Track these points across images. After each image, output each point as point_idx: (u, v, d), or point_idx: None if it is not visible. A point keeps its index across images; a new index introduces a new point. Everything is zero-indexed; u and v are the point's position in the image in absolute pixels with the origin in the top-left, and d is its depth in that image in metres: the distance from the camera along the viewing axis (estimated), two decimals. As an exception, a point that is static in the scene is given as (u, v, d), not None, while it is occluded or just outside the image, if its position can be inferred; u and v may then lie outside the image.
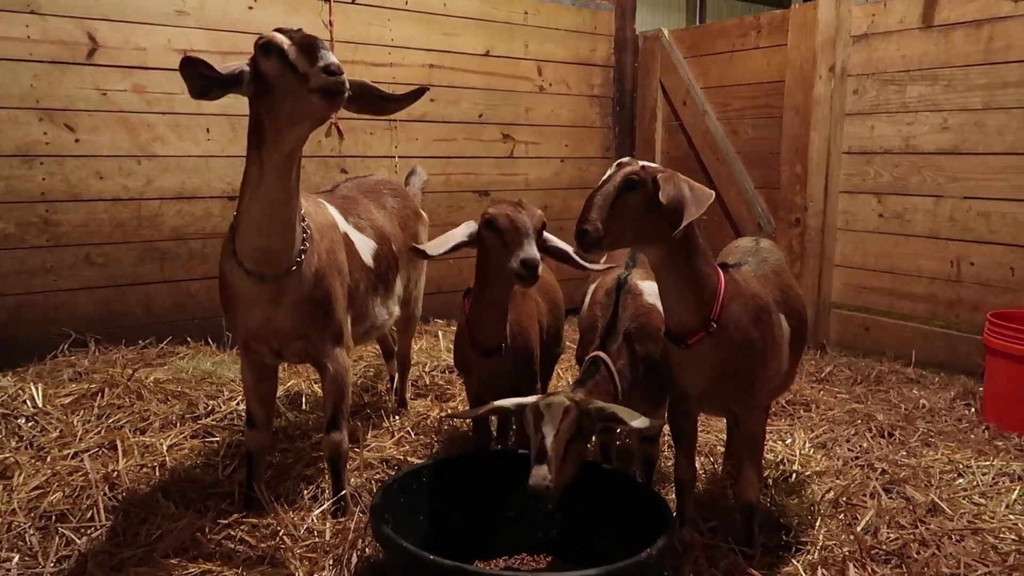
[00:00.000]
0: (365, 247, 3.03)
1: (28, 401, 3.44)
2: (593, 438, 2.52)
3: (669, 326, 2.37)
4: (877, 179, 4.88)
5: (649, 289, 2.80)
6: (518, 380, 2.82)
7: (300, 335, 2.61)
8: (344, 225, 2.95)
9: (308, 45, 2.15)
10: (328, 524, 2.59)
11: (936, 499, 2.91)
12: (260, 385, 2.77)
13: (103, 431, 3.28)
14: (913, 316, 4.77)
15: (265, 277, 2.46)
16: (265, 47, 2.22)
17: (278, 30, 2.23)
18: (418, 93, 2.55)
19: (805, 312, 2.75)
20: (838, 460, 3.33)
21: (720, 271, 2.34)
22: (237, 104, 4.99)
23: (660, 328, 2.67)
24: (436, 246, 2.65)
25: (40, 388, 3.54)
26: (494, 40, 5.76)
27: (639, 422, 2.30)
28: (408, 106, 2.58)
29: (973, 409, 3.96)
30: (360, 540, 2.44)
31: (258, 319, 2.55)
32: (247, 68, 2.27)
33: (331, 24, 5.01)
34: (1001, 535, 2.68)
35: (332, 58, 2.12)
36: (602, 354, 2.55)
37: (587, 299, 2.98)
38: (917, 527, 2.72)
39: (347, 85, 2.16)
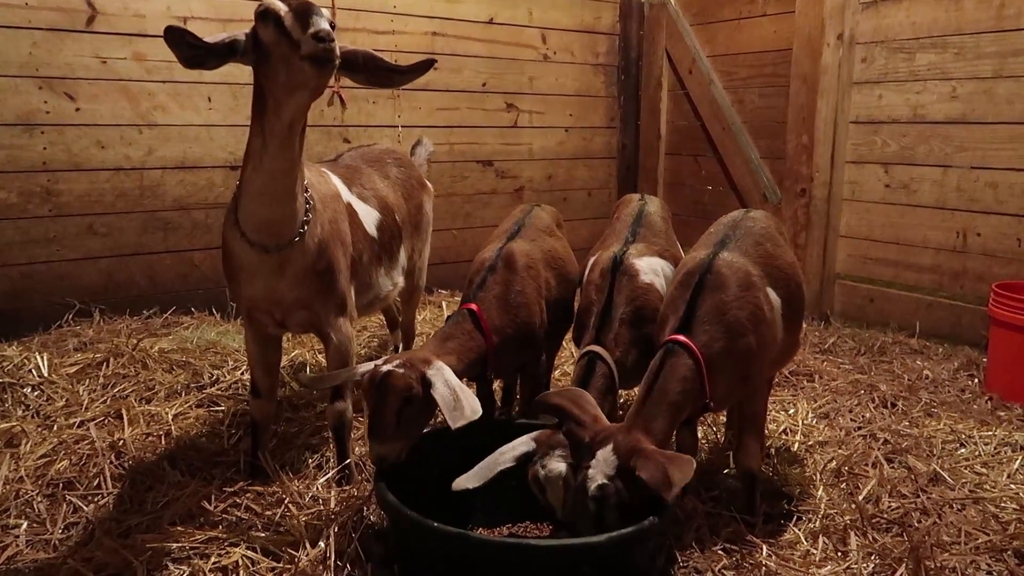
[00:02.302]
0: (368, 217, 3.02)
1: (34, 370, 3.46)
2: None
3: None
4: (884, 149, 4.83)
5: (646, 267, 2.77)
6: (522, 357, 2.82)
7: (303, 305, 2.61)
8: (347, 195, 2.93)
9: (302, 12, 2.12)
10: (333, 492, 2.61)
11: (938, 469, 2.92)
12: (264, 354, 2.78)
13: (109, 400, 3.30)
14: (918, 287, 4.75)
15: (268, 247, 2.45)
16: (263, 14, 2.19)
17: None
18: (426, 65, 2.50)
19: (797, 278, 2.68)
20: (840, 430, 3.34)
21: (694, 350, 2.27)
22: (238, 72, 4.94)
23: (658, 308, 2.66)
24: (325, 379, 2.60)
25: (45, 358, 3.55)
26: (498, 7, 5.68)
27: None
28: (416, 79, 2.54)
29: (976, 380, 3.96)
30: (364, 507, 2.47)
31: (261, 289, 2.55)
32: (242, 37, 2.24)
33: (333, -9, 4.95)
34: (1002, 504, 2.70)
35: (323, 24, 2.09)
36: (596, 348, 2.52)
37: (584, 275, 2.95)
38: (918, 496, 2.73)
39: (337, 53, 2.14)
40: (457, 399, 2.26)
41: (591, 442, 2.13)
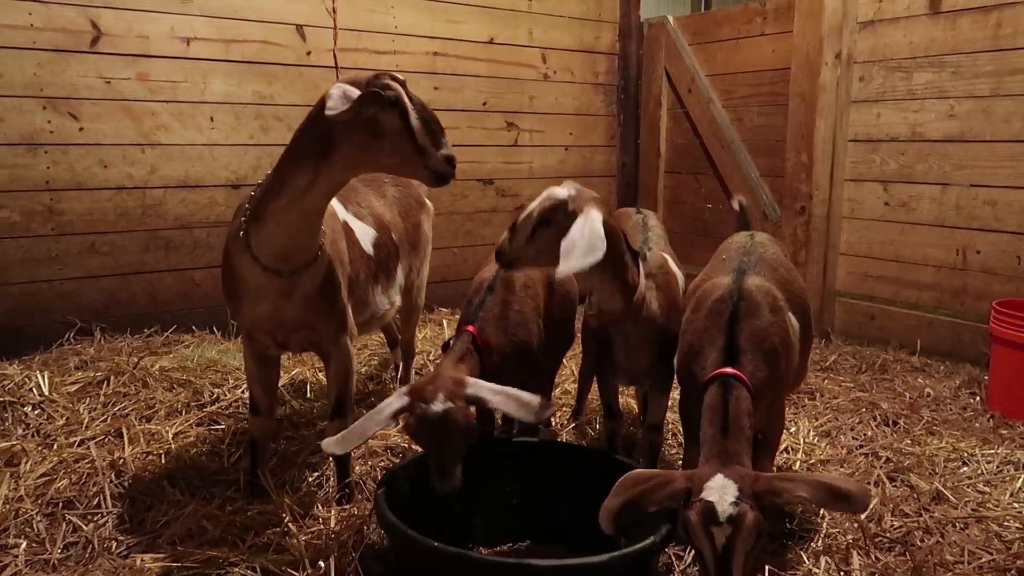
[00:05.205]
0: (365, 235, 3.03)
1: (34, 389, 3.45)
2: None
3: None
4: (883, 167, 4.86)
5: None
6: (521, 375, 2.81)
7: (305, 325, 2.62)
8: (343, 213, 2.95)
9: (434, 123, 2.28)
10: (333, 511, 2.60)
11: (940, 487, 2.91)
12: (263, 373, 2.78)
13: (109, 419, 3.30)
14: (918, 305, 4.75)
15: (281, 272, 2.47)
16: (392, 102, 2.23)
17: (392, 78, 2.27)
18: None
19: (807, 301, 2.72)
20: (842, 448, 3.33)
21: (748, 384, 2.22)
22: (239, 92, 4.95)
23: (656, 316, 2.66)
24: (352, 437, 2.36)
25: (46, 376, 3.55)
26: (498, 27, 5.73)
27: None
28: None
29: (978, 397, 3.95)
30: (365, 527, 2.46)
31: (266, 312, 2.56)
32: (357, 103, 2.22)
33: (335, 11, 4.99)
34: (1005, 523, 2.68)
35: (451, 148, 2.27)
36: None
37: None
38: (921, 515, 2.72)
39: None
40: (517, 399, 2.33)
41: (689, 486, 2.00)
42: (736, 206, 3.17)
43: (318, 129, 2.29)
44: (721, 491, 1.94)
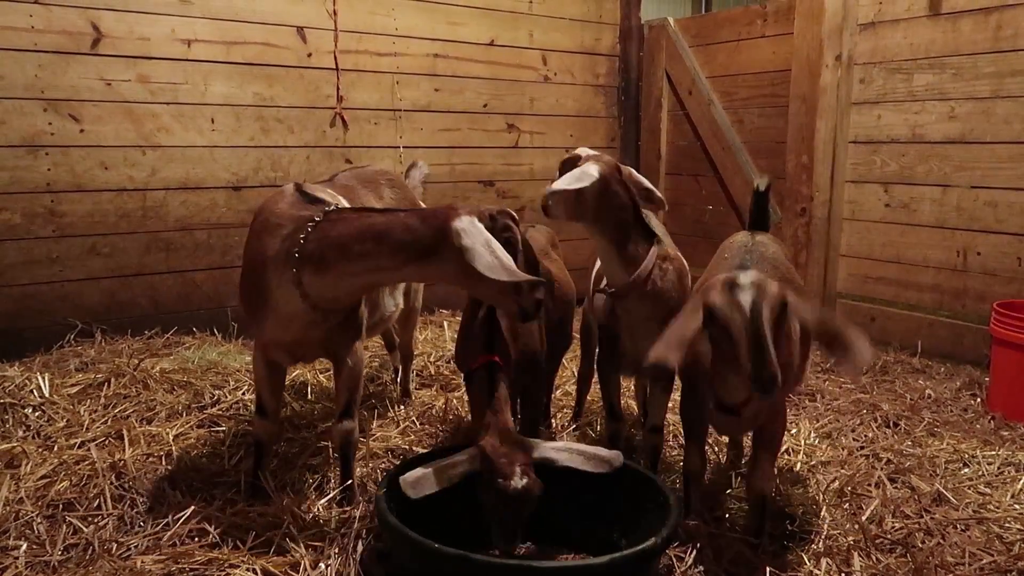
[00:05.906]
0: (372, 238, 3.03)
1: (35, 391, 3.45)
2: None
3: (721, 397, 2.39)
4: (884, 168, 4.86)
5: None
6: (524, 381, 2.81)
7: (325, 341, 2.66)
8: (349, 214, 2.95)
9: (536, 271, 2.41)
10: (334, 512, 2.60)
11: (941, 489, 2.91)
12: (273, 378, 2.78)
13: (110, 421, 3.30)
14: (919, 306, 4.75)
15: (327, 311, 2.49)
16: (512, 243, 2.32)
17: (511, 218, 2.36)
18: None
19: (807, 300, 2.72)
20: (843, 450, 3.33)
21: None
22: (240, 94, 4.95)
23: (665, 292, 2.72)
24: (426, 484, 2.31)
25: (47, 378, 3.55)
26: (499, 29, 5.73)
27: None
28: None
29: (979, 399, 3.95)
30: (366, 528, 2.45)
31: (294, 335, 2.58)
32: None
33: (335, 13, 5.00)
34: (1006, 524, 2.68)
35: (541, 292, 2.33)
36: None
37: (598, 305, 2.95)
38: (922, 516, 2.72)
39: None
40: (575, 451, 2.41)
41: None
42: (762, 186, 3.03)
43: (431, 239, 2.27)
44: (741, 272, 2.17)
